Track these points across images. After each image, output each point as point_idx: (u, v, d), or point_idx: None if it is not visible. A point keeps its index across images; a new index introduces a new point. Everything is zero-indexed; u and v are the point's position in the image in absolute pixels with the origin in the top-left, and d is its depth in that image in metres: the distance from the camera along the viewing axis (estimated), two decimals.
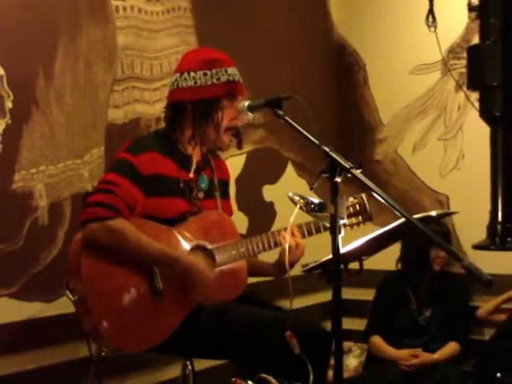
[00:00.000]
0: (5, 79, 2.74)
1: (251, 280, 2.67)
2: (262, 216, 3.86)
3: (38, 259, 2.85)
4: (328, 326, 2.14)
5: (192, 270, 2.39)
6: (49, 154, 2.90)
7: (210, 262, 2.48)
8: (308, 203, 2.13)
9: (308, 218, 2.51)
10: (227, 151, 2.78)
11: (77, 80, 3.01)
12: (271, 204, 3.96)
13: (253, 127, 3.82)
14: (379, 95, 4.40)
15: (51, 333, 2.85)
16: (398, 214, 1.86)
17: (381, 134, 4.40)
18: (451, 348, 3.62)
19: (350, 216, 2.60)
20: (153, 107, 3.30)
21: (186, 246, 2.47)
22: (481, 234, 2.21)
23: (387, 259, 3.57)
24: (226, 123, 2.53)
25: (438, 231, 3.34)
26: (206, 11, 3.59)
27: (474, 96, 2.96)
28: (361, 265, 2.43)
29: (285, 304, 2.54)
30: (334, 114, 4.48)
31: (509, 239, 2.13)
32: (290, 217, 2.27)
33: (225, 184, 2.72)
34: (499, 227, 2.13)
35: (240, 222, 3.49)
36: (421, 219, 2.24)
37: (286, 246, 2.46)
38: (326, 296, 3.50)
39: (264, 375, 2.12)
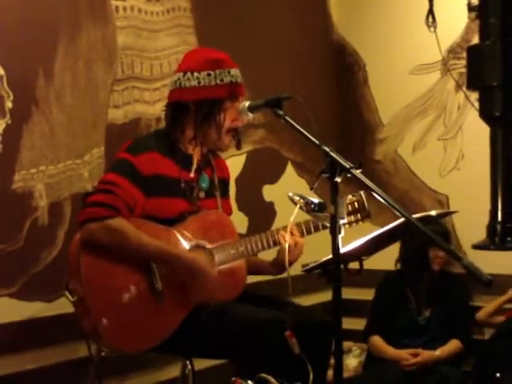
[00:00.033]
0: (5, 79, 2.74)
1: (251, 280, 2.67)
2: (261, 216, 3.86)
3: (38, 259, 2.86)
4: None
5: (193, 267, 2.39)
6: (49, 154, 2.90)
7: (211, 259, 2.48)
8: (308, 203, 2.13)
9: (308, 218, 2.52)
10: (227, 151, 2.78)
11: (77, 80, 3.01)
12: (271, 204, 3.97)
13: (253, 127, 3.82)
14: (379, 95, 4.40)
15: (51, 333, 2.85)
16: (397, 213, 1.86)
17: (381, 134, 4.40)
18: (453, 346, 3.62)
19: (348, 214, 2.60)
20: (153, 107, 3.30)
21: (186, 245, 2.47)
22: (481, 234, 2.21)
23: (387, 259, 3.57)
24: (228, 124, 2.54)
25: (438, 231, 3.33)
26: (206, 11, 3.59)
27: (474, 96, 2.97)
28: (361, 265, 2.43)
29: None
30: (334, 114, 4.48)
31: (508, 239, 2.13)
32: (289, 217, 2.27)
33: (225, 183, 2.73)
34: (499, 227, 2.14)
35: (240, 221, 3.49)
36: (421, 219, 2.24)
37: (286, 245, 2.46)
38: (326, 296, 3.50)
39: (264, 375, 2.12)
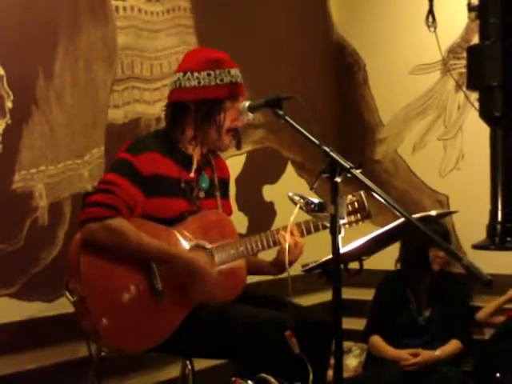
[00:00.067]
0: (5, 79, 2.74)
1: (251, 280, 2.67)
2: (261, 216, 3.86)
3: (38, 259, 2.86)
4: None
5: (193, 266, 2.39)
6: (49, 154, 2.90)
7: (211, 259, 2.48)
8: (308, 203, 2.13)
9: (308, 218, 2.52)
10: (227, 151, 2.78)
11: (77, 80, 3.01)
12: (271, 204, 3.97)
13: (253, 127, 3.82)
14: (379, 95, 4.40)
15: (51, 333, 2.85)
16: (397, 213, 1.86)
17: (381, 134, 4.40)
18: (453, 346, 3.61)
19: (348, 214, 2.60)
20: (153, 107, 3.30)
21: (186, 245, 2.47)
22: (481, 234, 2.21)
23: (387, 259, 3.57)
24: (228, 124, 2.54)
25: (438, 231, 3.34)
26: (206, 11, 3.59)
27: (474, 96, 2.97)
28: (361, 265, 2.43)
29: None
30: (334, 114, 4.48)
31: (508, 239, 2.13)
32: (289, 217, 2.27)
33: (225, 183, 2.72)
34: (499, 227, 2.13)
35: (240, 221, 3.49)
36: (421, 219, 2.24)
37: (286, 245, 2.46)
38: (326, 296, 3.50)
39: (264, 375, 2.12)
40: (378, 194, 1.87)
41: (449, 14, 3.65)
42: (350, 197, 2.65)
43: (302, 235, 2.58)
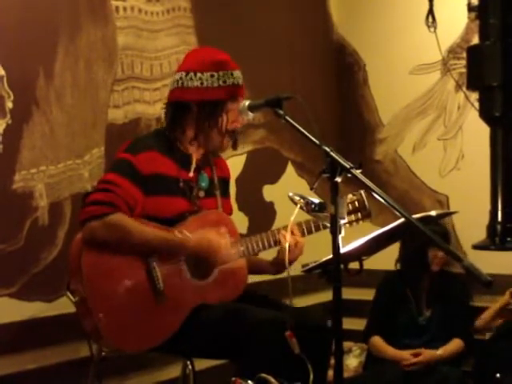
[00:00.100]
0: (5, 79, 2.74)
1: (252, 280, 2.67)
2: (262, 216, 3.86)
3: (38, 259, 2.86)
4: None
5: (201, 248, 2.41)
6: (49, 154, 2.90)
7: (217, 230, 2.49)
8: (308, 203, 2.13)
9: (308, 218, 2.52)
10: (227, 151, 2.78)
11: (77, 80, 3.01)
12: (271, 204, 3.97)
13: (253, 127, 3.82)
14: (379, 95, 4.40)
15: (51, 333, 2.85)
16: (397, 214, 1.86)
17: (381, 134, 4.40)
18: (455, 345, 3.61)
19: (348, 213, 2.60)
20: (153, 107, 3.30)
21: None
22: (481, 234, 2.21)
23: (387, 259, 3.57)
24: (228, 126, 2.53)
25: (437, 231, 3.34)
26: (206, 11, 3.59)
27: (474, 96, 2.97)
28: (361, 265, 2.43)
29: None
30: (334, 114, 4.48)
31: (508, 239, 2.13)
32: (290, 217, 2.27)
33: (225, 182, 2.72)
34: (499, 227, 2.13)
35: (240, 221, 3.49)
36: (421, 219, 2.24)
37: (286, 245, 2.46)
38: (326, 296, 3.50)
39: (264, 375, 2.12)
40: (378, 194, 1.87)
41: (449, 14, 3.65)
42: (350, 196, 2.65)
43: (303, 235, 2.59)
